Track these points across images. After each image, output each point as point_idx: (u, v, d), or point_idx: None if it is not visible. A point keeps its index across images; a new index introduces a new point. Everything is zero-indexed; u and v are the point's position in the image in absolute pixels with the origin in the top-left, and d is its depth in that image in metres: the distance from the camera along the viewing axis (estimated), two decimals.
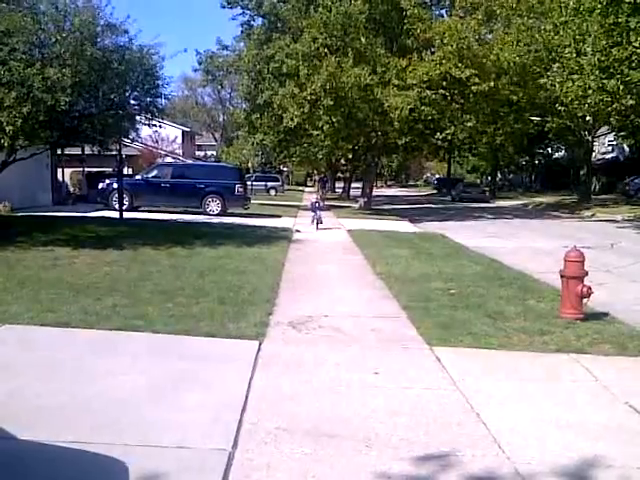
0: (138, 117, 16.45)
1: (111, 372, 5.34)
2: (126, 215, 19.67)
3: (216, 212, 24.02)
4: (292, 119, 26.16)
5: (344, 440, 4.22)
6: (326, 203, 31.66)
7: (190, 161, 45.71)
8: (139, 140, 29.58)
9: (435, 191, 70.79)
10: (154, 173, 25.32)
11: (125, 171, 29.25)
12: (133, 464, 3.65)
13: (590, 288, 7.72)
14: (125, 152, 26.31)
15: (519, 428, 4.54)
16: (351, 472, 3.78)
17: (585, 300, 7.80)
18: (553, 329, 7.35)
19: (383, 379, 5.52)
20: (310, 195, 35.41)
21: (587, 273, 7.85)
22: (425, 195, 66.74)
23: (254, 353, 6.10)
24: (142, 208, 24.06)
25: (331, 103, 25.45)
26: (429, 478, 3.77)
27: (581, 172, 39.70)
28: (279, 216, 25.16)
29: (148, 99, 15.45)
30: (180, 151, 59.53)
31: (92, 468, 3.69)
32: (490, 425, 4.57)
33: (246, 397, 4.91)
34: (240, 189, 24.70)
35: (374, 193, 36.95)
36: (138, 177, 25.59)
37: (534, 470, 3.91)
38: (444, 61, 25.61)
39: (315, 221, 20.42)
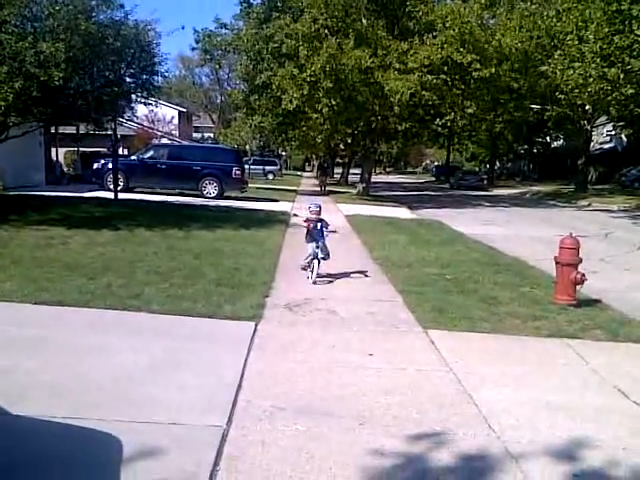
0: (134, 95, 16.27)
1: (105, 350, 5.37)
2: (121, 196, 19.64)
3: (213, 195, 23.93)
4: (291, 101, 26.02)
5: (338, 418, 4.28)
6: (326, 189, 31.70)
7: (187, 142, 45.57)
8: (135, 120, 29.35)
9: (434, 178, 70.78)
10: (150, 154, 25.12)
11: (120, 151, 29.12)
12: (126, 440, 3.69)
13: (584, 275, 7.79)
14: (120, 132, 26.22)
15: (510, 409, 4.61)
16: (344, 449, 3.85)
17: (579, 287, 7.88)
18: (546, 314, 7.43)
19: (378, 360, 5.59)
20: (308, 181, 35.29)
21: (581, 260, 7.92)
22: (424, 182, 66.69)
23: (250, 334, 6.15)
24: (137, 189, 23.97)
25: (331, 85, 25.31)
26: (421, 455, 3.84)
27: (579, 162, 39.70)
28: (276, 200, 25.16)
29: (144, 77, 15.26)
30: (176, 132, 59.22)
31: (85, 443, 3.73)
32: (482, 406, 4.64)
33: (241, 376, 4.96)
34: (237, 172, 24.58)
35: (373, 179, 36.91)
36: (133, 158, 25.39)
37: (524, 449, 3.98)
38: (446, 45, 25.46)
39: (313, 262, 8.91)
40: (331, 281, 9.07)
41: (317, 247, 8.82)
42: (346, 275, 9.68)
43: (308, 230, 8.98)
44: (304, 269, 9.04)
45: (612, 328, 6.95)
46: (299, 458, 3.69)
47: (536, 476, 3.67)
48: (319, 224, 8.92)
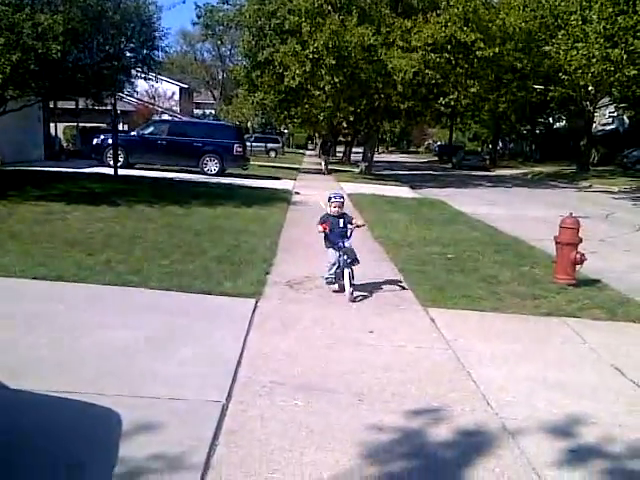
0: (134, 70, 16.10)
1: (104, 326, 5.38)
2: (121, 172, 19.56)
3: (214, 172, 23.83)
4: (294, 78, 25.81)
5: (337, 394, 4.31)
6: (329, 167, 31.55)
7: (187, 119, 45.30)
8: (135, 95, 29.11)
9: (436, 158, 70.44)
10: (150, 130, 24.96)
11: (120, 127, 28.95)
12: (126, 414, 3.71)
13: (583, 255, 7.79)
14: (120, 107, 26.03)
15: (508, 386, 4.64)
16: (343, 424, 3.87)
17: (578, 267, 7.88)
18: (545, 294, 7.45)
19: (378, 338, 5.61)
20: (311, 159, 34.97)
21: (581, 240, 7.92)
22: (426, 162, 66.46)
23: (250, 311, 6.16)
24: (137, 165, 23.87)
25: (333, 62, 25.09)
26: (419, 430, 3.87)
27: (581, 143, 39.52)
28: (278, 178, 25.08)
29: (145, 51, 15.10)
30: (177, 108, 58.88)
31: (84, 417, 3.75)
32: (480, 383, 4.67)
33: (241, 352, 4.98)
34: (239, 149, 24.46)
35: (375, 158, 36.76)
36: (134, 133, 25.23)
37: (520, 426, 4.01)
38: (449, 24, 25.21)
39: (343, 272, 6.97)
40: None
41: (341, 254, 6.82)
42: None
43: (326, 233, 6.99)
44: (331, 283, 7.04)
45: (610, 307, 6.97)
46: (298, 433, 3.72)
47: (533, 452, 3.70)
48: (341, 220, 6.98)
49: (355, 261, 6.94)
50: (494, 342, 5.71)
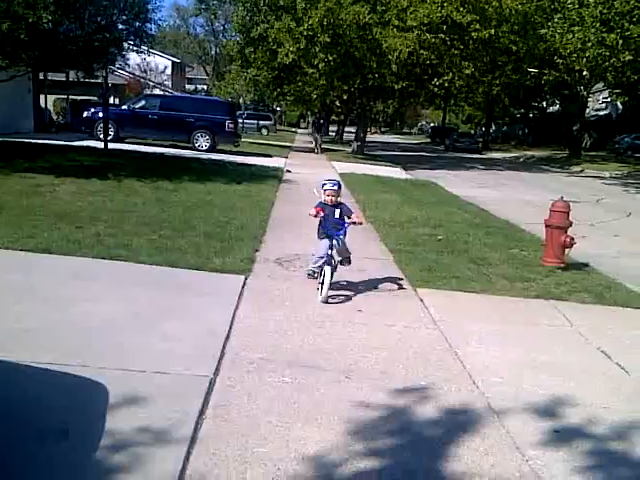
0: (126, 43, 15.88)
1: (92, 299, 5.35)
2: (111, 146, 19.35)
3: (205, 148, 23.68)
4: (287, 55, 25.57)
5: (325, 371, 4.32)
6: (321, 146, 31.35)
7: (179, 94, 44.85)
8: (126, 69, 28.78)
9: (429, 140, 70.30)
10: (141, 104, 24.71)
11: (111, 100, 28.61)
12: (112, 387, 3.70)
13: (573, 239, 7.82)
14: (111, 80, 25.72)
15: (495, 367, 4.67)
16: (331, 401, 3.88)
17: (567, 250, 7.92)
18: (534, 276, 7.48)
19: (366, 316, 5.62)
20: (303, 137, 34.67)
21: (571, 224, 7.94)
22: (419, 143, 66.30)
23: (239, 287, 6.15)
24: (128, 139, 23.67)
25: (328, 40, 24.86)
26: (406, 408, 3.89)
27: (573, 127, 39.52)
28: (270, 156, 24.94)
29: (137, 24, 14.89)
30: (169, 83, 58.26)
31: (70, 389, 3.74)
32: (467, 363, 4.69)
33: (229, 328, 4.97)
34: (231, 125, 24.27)
35: (368, 139, 36.63)
36: (125, 107, 24.99)
37: (506, 406, 4.04)
38: (446, 4, 24.99)
39: (324, 270, 5.95)
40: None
41: (331, 247, 5.96)
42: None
43: (320, 220, 6.07)
44: (311, 276, 6.20)
45: (598, 291, 7.02)
46: (286, 409, 3.72)
47: (517, 431, 3.72)
48: (337, 211, 6.03)
49: (346, 261, 6.20)
50: (482, 323, 5.73)
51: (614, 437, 3.76)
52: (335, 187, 6.07)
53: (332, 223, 6.02)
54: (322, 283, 5.90)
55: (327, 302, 5.86)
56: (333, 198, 6.03)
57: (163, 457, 3.09)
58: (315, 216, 5.99)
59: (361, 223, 6.19)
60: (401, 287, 6.75)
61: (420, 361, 4.67)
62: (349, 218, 6.08)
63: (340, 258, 6.14)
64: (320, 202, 6.09)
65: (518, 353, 5.02)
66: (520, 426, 3.80)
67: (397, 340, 5.08)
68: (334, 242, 5.96)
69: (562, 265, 7.91)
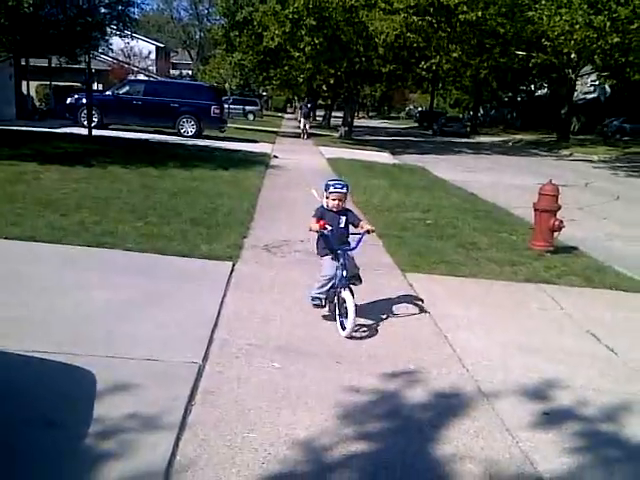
0: (109, 28, 15.65)
1: (79, 287, 5.29)
2: (95, 132, 19.15)
3: (190, 133, 23.48)
4: (273, 38, 25.35)
5: (314, 357, 4.30)
6: (308, 132, 31.15)
7: (164, 79, 44.37)
8: (110, 54, 28.42)
9: (417, 124, 70.17)
10: (125, 89, 24.37)
11: (95, 86, 28.28)
12: (100, 374, 3.67)
13: (562, 222, 7.83)
14: (95, 66, 25.35)
15: (484, 350, 4.67)
16: (320, 386, 3.86)
17: (556, 234, 7.93)
18: (523, 260, 7.49)
19: (356, 302, 5.58)
20: (289, 123, 34.34)
21: (560, 207, 7.94)
22: (406, 128, 66.14)
23: (227, 273, 6.10)
24: (112, 126, 23.42)
25: (314, 23, 24.65)
26: (396, 392, 3.88)
27: (562, 111, 39.57)
28: (256, 141, 24.76)
29: (119, 7, 14.70)
30: (153, 68, 57.71)
31: (58, 376, 3.70)
32: (457, 347, 4.69)
33: (218, 315, 4.93)
34: (216, 110, 24.03)
35: (355, 124, 36.47)
36: (108, 93, 24.64)
37: (496, 388, 4.04)
38: None
39: (340, 294, 4.85)
40: None
41: (340, 266, 4.77)
42: None
43: (323, 233, 4.79)
44: (319, 306, 5.00)
45: (587, 275, 7.04)
46: (275, 394, 3.70)
47: (507, 414, 3.73)
48: (343, 219, 4.88)
49: (356, 279, 4.93)
50: (471, 307, 5.73)
51: (603, 418, 3.77)
52: (344, 190, 4.82)
53: (337, 235, 4.80)
54: (337, 313, 4.82)
55: (351, 337, 4.65)
56: (340, 203, 4.81)
57: (153, 443, 3.07)
58: (320, 230, 4.70)
59: (374, 231, 5.12)
60: (391, 272, 6.73)
61: (410, 345, 4.67)
62: (355, 227, 4.89)
63: (347, 277, 4.77)
64: (321, 207, 4.88)
65: (507, 336, 5.02)
66: (510, 408, 3.81)
67: (386, 325, 5.06)
68: (343, 259, 4.74)
69: (551, 249, 7.92)
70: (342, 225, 4.85)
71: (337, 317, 4.82)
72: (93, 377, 3.62)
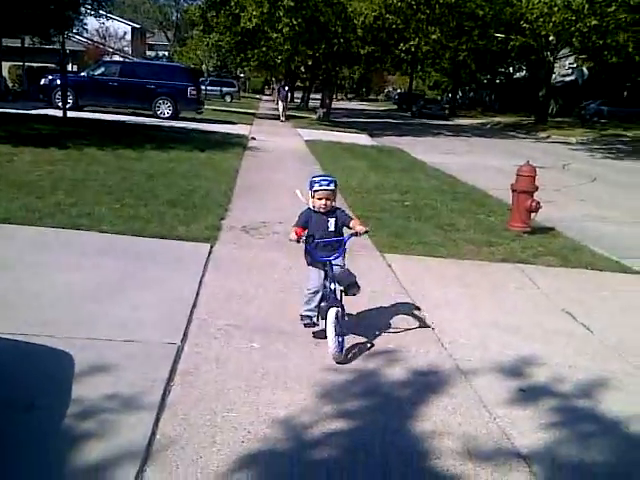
0: (83, 7, 15.33)
1: (56, 268, 5.23)
2: (70, 114, 18.84)
3: (167, 115, 23.25)
4: (250, 19, 25.06)
5: (294, 337, 4.29)
6: (286, 114, 30.94)
7: (140, 60, 43.71)
8: (84, 34, 27.90)
9: (395, 106, 70.06)
10: (101, 70, 24.02)
11: (69, 67, 27.79)
12: (78, 356, 3.64)
13: (539, 203, 7.90)
14: (69, 47, 24.92)
15: (462, 329, 4.71)
16: (300, 366, 3.87)
17: (533, 214, 8.00)
18: (501, 241, 7.55)
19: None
20: (267, 104, 34.02)
21: (537, 188, 8.00)
22: (385, 110, 66.02)
23: (205, 255, 6.07)
24: (87, 107, 23.10)
25: (292, 4, 24.39)
26: (375, 371, 3.90)
27: (540, 93, 39.77)
28: (234, 123, 24.57)
29: None
30: (129, 49, 56.84)
31: (35, 359, 3.66)
32: (435, 326, 4.72)
33: (196, 296, 4.91)
34: (193, 92, 23.79)
35: (334, 106, 36.28)
36: (83, 74, 24.28)
37: (474, 366, 4.09)
38: None
39: (327, 310, 4.04)
40: (289, 205, 8.97)
41: (329, 277, 4.11)
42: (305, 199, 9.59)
43: (307, 239, 4.15)
44: (309, 325, 4.29)
45: (564, 255, 7.13)
46: (254, 374, 3.69)
47: (485, 391, 3.77)
48: (332, 221, 4.20)
49: (354, 287, 4.13)
50: (450, 287, 5.76)
51: (579, 395, 3.83)
52: (331, 186, 4.14)
53: (325, 240, 4.14)
54: (328, 332, 3.98)
55: (343, 362, 3.98)
56: (328, 202, 4.13)
57: (132, 423, 3.06)
58: (298, 241, 4.09)
59: (367, 231, 4.26)
60: (369, 253, 6.73)
61: (389, 325, 4.68)
62: (349, 227, 4.23)
63: (342, 287, 4.13)
64: (307, 210, 4.24)
65: (485, 316, 5.07)
66: (487, 386, 3.85)
67: (365, 305, 5.07)
68: (330, 270, 4.10)
69: (528, 229, 7.99)
70: (332, 228, 4.17)
71: (328, 338, 3.97)
72: (71, 359, 3.58)
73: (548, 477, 2.97)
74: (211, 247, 6.37)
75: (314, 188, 4.15)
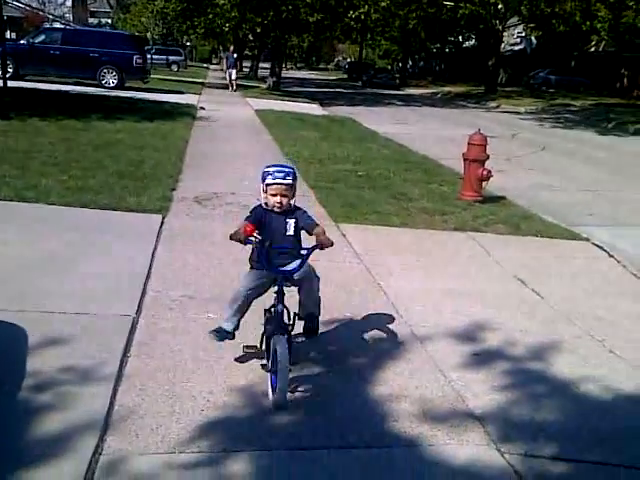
0: None
1: (3, 241, 5.06)
2: (10, 84, 18.09)
3: (112, 85, 22.59)
4: None
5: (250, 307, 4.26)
6: (236, 83, 30.38)
7: (82, 27, 42.13)
8: (23, 0, 26.68)
9: (346, 76, 69.74)
10: (41, 38, 23.17)
11: (7, 35, 26.58)
12: (31, 329, 3.55)
13: (490, 171, 8.03)
14: (7, 13, 23.85)
15: (417, 297, 4.78)
16: (257, 333, 3.82)
17: (484, 183, 8.13)
18: (453, 210, 7.66)
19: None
20: (215, 74, 33.21)
21: (488, 157, 8.12)
22: (336, 79, 65.62)
23: (157, 226, 5.98)
24: (29, 77, 22.24)
25: None
26: (331, 337, 3.95)
27: (489, 63, 40.18)
28: (182, 92, 24.00)
29: None
30: (70, 16, 54.74)
31: None
32: (390, 294, 4.78)
33: (149, 267, 4.84)
34: (139, 60, 23.13)
35: (283, 75, 35.84)
36: (23, 42, 23.37)
37: (428, 332, 4.16)
38: None
39: (277, 361, 3.02)
40: (241, 175, 8.87)
41: (280, 295, 3.30)
42: (256, 169, 9.49)
43: (253, 240, 3.26)
44: (219, 337, 3.46)
45: (514, 223, 7.28)
46: (212, 343, 3.63)
47: (440, 355, 3.85)
48: (291, 222, 3.39)
49: (311, 323, 3.56)
50: (404, 255, 5.83)
51: (531, 358, 3.94)
52: (288, 179, 3.29)
53: (279, 244, 3.27)
54: (269, 367, 3.18)
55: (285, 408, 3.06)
56: (284, 200, 3.30)
57: (90, 394, 3.03)
58: (245, 241, 3.18)
59: (332, 244, 3.32)
60: (323, 222, 6.65)
61: (345, 293, 4.72)
62: (310, 233, 3.35)
63: (301, 314, 3.49)
64: (258, 207, 3.38)
65: (438, 282, 5.16)
66: (442, 350, 3.93)
67: (321, 274, 5.06)
68: (279, 287, 3.26)
69: (479, 198, 8.12)
70: (290, 232, 3.32)
71: (269, 373, 3.18)
72: (24, 332, 3.50)
73: (502, 436, 3.06)
74: (163, 218, 6.27)
75: (266, 181, 3.28)
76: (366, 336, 4.02)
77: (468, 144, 8.16)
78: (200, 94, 24.54)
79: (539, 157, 14.10)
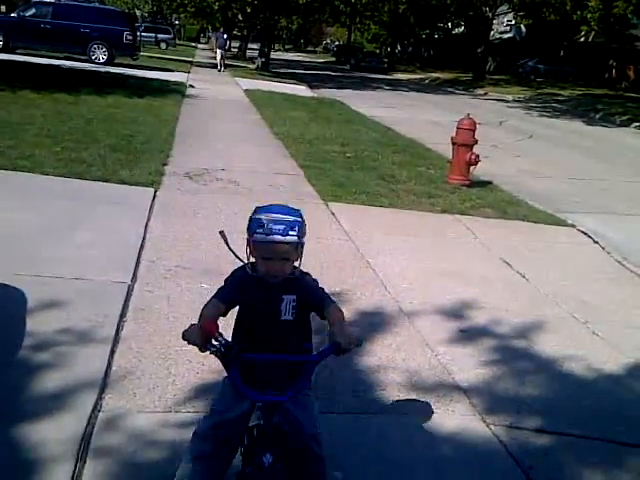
0: None
1: None
2: (1, 57, 17.90)
3: (102, 60, 22.46)
4: None
5: None
6: (225, 63, 30.16)
7: (73, 2, 41.42)
8: None
9: (334, 59, 69.35)
10: (32, 12, 22.89)
11: None
12: (30, 292, 3.62)
13: (478, 156, 8.14)
14: None
15: (405, 275, 4.88)
16: None
17: (472, 168, 8.23)
18: (440, 193, 7.76)
19: None
20: (203, 53, 32.87)
21: (477, 142, 8.22)
22: (324, 62, 65.23)
23: (150, 199, 6.03)
24: (19, 50, 22.02)
25: None
26: None
27: (478, 50, 40.20)
28: (171, 70, 23.82)
29: None
30: None
31: None
32: (378, 271, 4.88)
33: (143, 238, 4.90)
34: (129, 37, 23.02)
35: (272, 57, 35.60)
36: (14, 15, 23.14)
37: (415, 309, 4.27)
38: None
39: None
40: (231, 152, 8.91)
41: (262, 432, 2.01)
42: (246, 147, 9.54)
43: (227, 349, 1.89)
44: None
45: (501, 207, 7.40)
46: None
47: (427, 331, 3.96)
48: (289, 299, 2.09)
49: (308, 464, 2.18)
50: (392, 235, 5.93)
51: (515, 336, 4.06)
52: (292, 234, 2.03)
53: (265, 341, 2.10)
54: None
55: None
56: (284, 267, 2.09)
57: (88, 355, 3.11)
58: (204, 347, 1.96)
59: (358, 345, 2.10)
60: (313, 201, 6.81)
61: (334, 270, 4.80)
62: (323, 317, 2.18)
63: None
64: (240, 270, 2.21)
65: (426, 262, 5.26)
66: (429, 326, 4.04)
67: (310, 251, 5.12)
68: (259, 418, 2.07)
69: (467, 182, 8.23)
70: (286, 316, 2.12)
71: None
72: (23, 295, 3.56)
73: (487, 408, 3.17)
74: (155, 192, 6.32)
75: (255, 236, 2.02)
76: (354, 310, 4.11)
77: (457, 128, 8.25)
78: (189, 72, 24.39)
79: (526, 144, 14.25)
